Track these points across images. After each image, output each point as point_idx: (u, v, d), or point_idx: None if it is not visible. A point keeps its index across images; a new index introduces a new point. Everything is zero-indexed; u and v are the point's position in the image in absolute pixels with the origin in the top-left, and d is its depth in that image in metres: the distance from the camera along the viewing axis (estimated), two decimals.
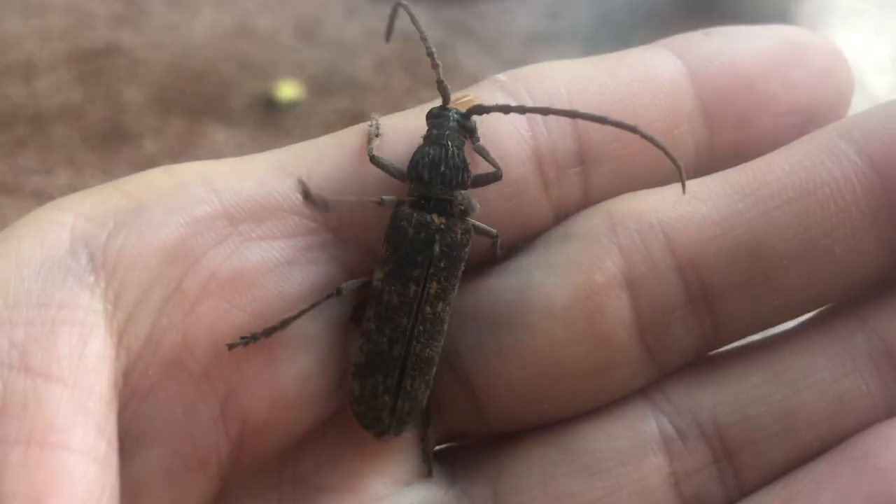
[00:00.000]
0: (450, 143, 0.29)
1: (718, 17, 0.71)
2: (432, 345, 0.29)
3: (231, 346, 0.27)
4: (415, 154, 0.29)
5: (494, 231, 0.29)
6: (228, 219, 0.27)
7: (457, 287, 0.29)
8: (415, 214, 0.28)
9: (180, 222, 0.27)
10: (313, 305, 0.28)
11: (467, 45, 0.69)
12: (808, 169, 0.28)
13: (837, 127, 0.29)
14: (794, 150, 0.28)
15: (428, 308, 0.29)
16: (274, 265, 0.27)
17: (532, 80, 0.31)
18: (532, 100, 0.30)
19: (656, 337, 0.29)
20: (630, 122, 0.27)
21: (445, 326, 0.29)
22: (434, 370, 0.29)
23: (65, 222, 0.27)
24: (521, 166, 0.29)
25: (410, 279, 0.28)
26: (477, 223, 0.29)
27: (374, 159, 0.28)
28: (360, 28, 0.71)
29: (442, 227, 0.28)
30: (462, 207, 0.28)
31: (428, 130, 0.29)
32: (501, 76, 0.31)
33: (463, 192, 0.29)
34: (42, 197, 0.54)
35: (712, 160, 0.30)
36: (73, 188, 0.54)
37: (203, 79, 0.65)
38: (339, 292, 0.28)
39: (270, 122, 0.61)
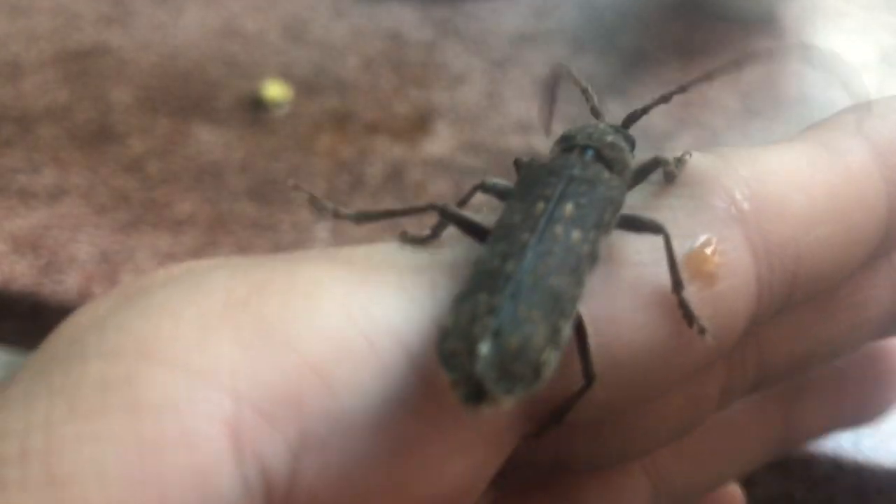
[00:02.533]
0: (605, 125, 0.24)
1: (705, 18, 0.72)
2: (561, 275, 0.20)
3: None
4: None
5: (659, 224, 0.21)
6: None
7: (601, 234, 0.21)
8: (551, 155, 0.23)
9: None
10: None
11: (454, 45, 0.69)
12: None
13: None
14: None
15: (559, 227, 0.21)
16: None
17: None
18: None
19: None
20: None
21: (583, 269, 0.20)
22: (565, 320, 0.20)
23: (214, 414, 0.18)
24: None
25: (539, 197, 0.21)
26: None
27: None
28: (348, 28, 0.71)
29: (587, 162, 0.22)
30: (612, 157, 0.22)
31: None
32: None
33: (616, 145, 0.23)
34: (27, 195, 0.54)
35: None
36: (59, 187, 0.54)
37: (190, 79, 0.65)
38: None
39: (257, 121, 0.61)
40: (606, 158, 0.23)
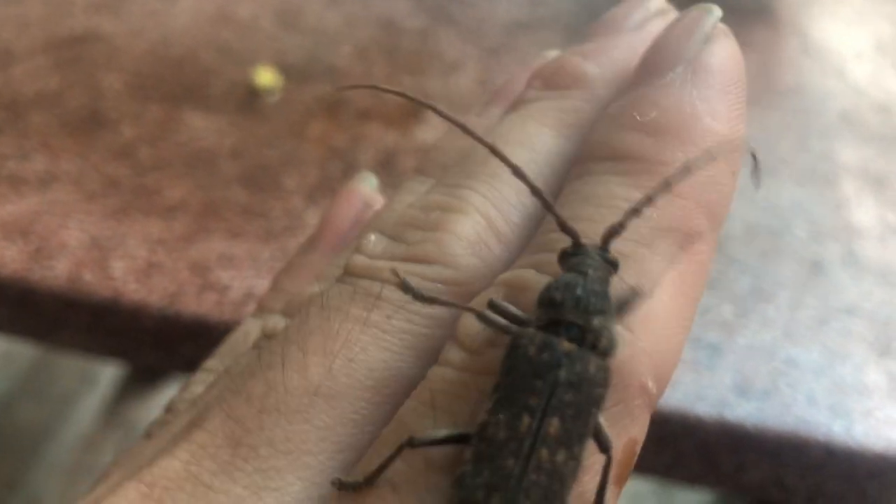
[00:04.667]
0: (591, 271, 0.22)
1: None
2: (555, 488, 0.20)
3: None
4: (547, 286, 0.22)
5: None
6: None
7: (586, 444, 0.21)
8: (540, 335, 0.22)
9: None
10: (390, 458, 0.21)
11: (448, 33, 0.68)
12: None
13: None
14: None
15: (545, 452, 0.20)
16: None
17: None
18: None
19: None
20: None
21: (567, 490, 0.21)
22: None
23: None
24: None
25: (524, 408, 0.21)
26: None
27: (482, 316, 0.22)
28: (341, 16, 0.70)
29: (572, 354, 0.21)
30: (598, 338, 0.22)
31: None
32: None
33: (602, 321, 0.22)
34: (17, 182, 0.54)
35: None
36: (49, 173, 0.54)
37: (182, 66, 0.65)
38: (411, 443, 0.21)
39: (249, 108, 0.61)
40: (592, 342, 0.22)
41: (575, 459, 0.21)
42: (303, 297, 0.29)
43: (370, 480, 0.21)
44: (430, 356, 0.23)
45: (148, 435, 0.29)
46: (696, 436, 0.44)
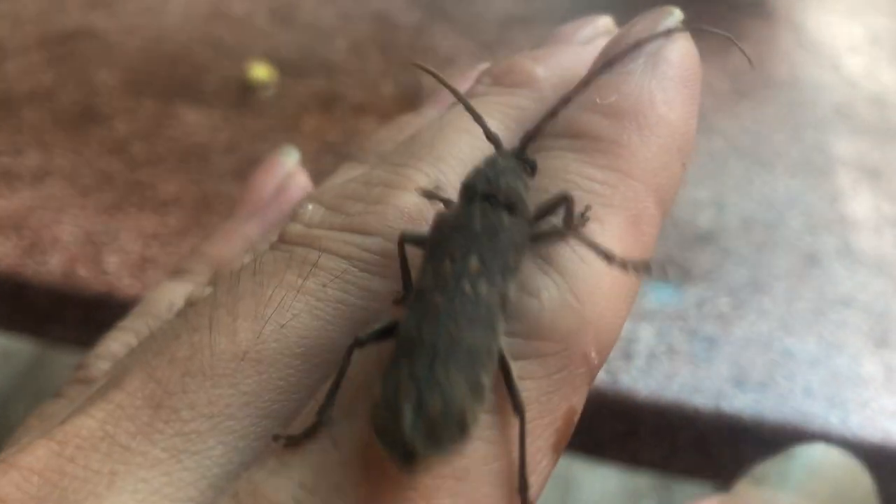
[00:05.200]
0: (500, 160, 0.24)
1: (693, 1, 0.71)
2: (473, 330, 0.21)
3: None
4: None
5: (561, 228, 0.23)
6: None
7: (509, 279, 0.22)
8: (455, 209, 0.24)
9: None
10: (341, 372, 0.22)
11: (443, 27, 0.68)
12: None
13: None
14: None
15: (467, 284, 0.22)
16: None
17: None
18: None
19: None
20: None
21: (494, 317, 0.22)
22: (485, 372, 0.21)
23: None
24: None
25: (446, 254, 0.22)
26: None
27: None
28: (336, 11, 0.70)
29: (486, 210, 0.23)
30: (509, 197, 0.23)
31: None
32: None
33: (508, 183, 0.24)
34: (11, 177, 0.54)
35: None
36: (43, 169, 0.54)
37: (176, 62, 0.65)
38: (358, 342, 0.22)
39: (243, 103, 0.61)
40: (504, 204, 0.24)
41: (498, 292, 0.22)
42: (230, 264, 0.29)
43: (310, 433, 0.21)
44: (363, 329, 0.23)
45: (59, 395, 0.28)
46: (694, 428, 0.44)
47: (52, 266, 0.48)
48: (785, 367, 0.45)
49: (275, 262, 0.24)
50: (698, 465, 0.46)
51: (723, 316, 0.47)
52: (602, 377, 0.45)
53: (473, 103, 0.27)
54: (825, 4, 0.73)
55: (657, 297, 0.48)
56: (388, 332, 0.22)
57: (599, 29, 0.32)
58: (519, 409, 0.21)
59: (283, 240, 0.25)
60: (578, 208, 0.24)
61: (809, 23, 0.71)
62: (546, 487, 0.23)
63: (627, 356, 0.45)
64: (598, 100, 0.25)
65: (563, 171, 0.25)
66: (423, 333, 0.21)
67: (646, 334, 0.46)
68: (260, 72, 0.62)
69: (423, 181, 0.26)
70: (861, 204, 0.54)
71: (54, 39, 0.66)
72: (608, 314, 0.23)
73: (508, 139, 0.27)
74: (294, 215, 0.26)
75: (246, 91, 0.62)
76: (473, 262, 0.22)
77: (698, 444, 0.45)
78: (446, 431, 0.20)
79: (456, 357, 0.21)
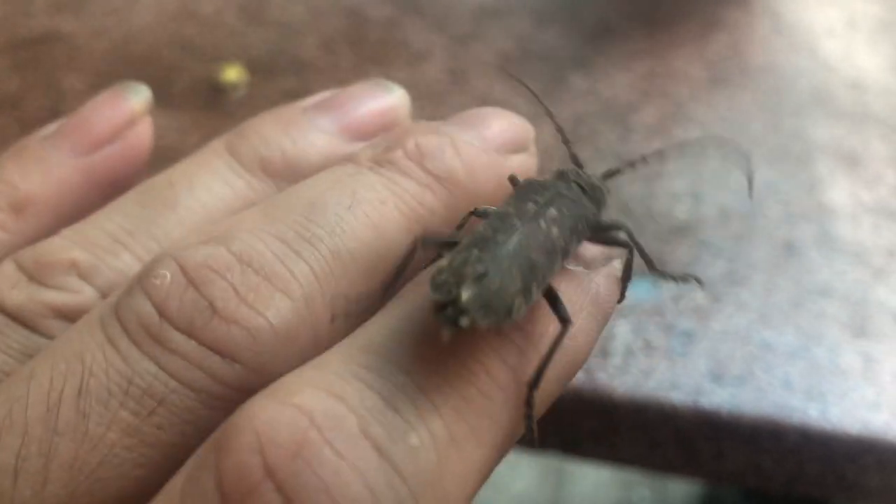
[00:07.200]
0: (586, 173, 0.29)
1: None
2: (539, 253, 0.24)
3: None
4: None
5: (626, 240, 0.27)
6: None
7: (573, 239, 0.26)
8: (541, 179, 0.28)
9: None
10: (398, 273, 0.24)
11: (415, 21, 0.67)
12: None
13: None
14: None
15: (543, 222, 0.25)
16: None
17: None
18: None
19: None
20: None
21: (557, 256, 0.25)
22: (537, 285, 0.24)
23: None
24: None
25: (530, 199, 0.26)
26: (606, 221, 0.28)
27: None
28: (306, 7, 0.69)
29: (571, 188, 0.27)
30: (593, 192, 0.28)
31: None
32: None
33: (596, 184, 0.28)
34: None
35: None
36: None
37: (145, 64, 0.64)
38: (423, 241, 0.24)
39: (214, 105, 0.60)
40: (588, 191, 0.28)
41: (564, 241, 0.25)
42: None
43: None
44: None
45: None
46: (673, 424, 0.44)
47: None
48: (763, 359, 0.45)
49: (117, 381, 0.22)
50: (680, 463, 0.45)
51: (700, 309, 0.47)
52: (579, 375, 0.44)
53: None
54: None
55: (634, 292, 0.48)
56: (452, 244, 0.24)
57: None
58: (565, 321, 0.24)
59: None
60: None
61: (786, 7, 0.70)
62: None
63: (604, 353, 0.45)
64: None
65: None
66: (498, 237, 0.24)
67: (622, 331, 0.46)
68: (231, 73, 0.61)
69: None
70: (839, 191, 0.54)
71: (20, 44, 0.65)
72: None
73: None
74: (144, 278, 0.24)
75: (216, 92, 0.61)
76: (553, 211, 0.26)
77: (678, 442, 0.44)
78: (495, 307, 0.22)
79: (520, 263, 0.24)
